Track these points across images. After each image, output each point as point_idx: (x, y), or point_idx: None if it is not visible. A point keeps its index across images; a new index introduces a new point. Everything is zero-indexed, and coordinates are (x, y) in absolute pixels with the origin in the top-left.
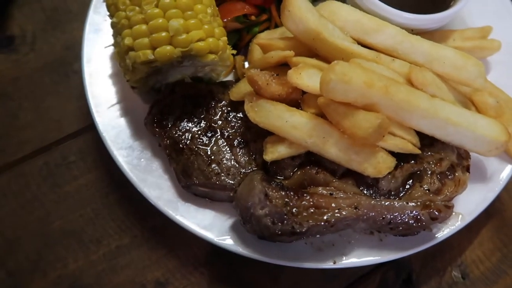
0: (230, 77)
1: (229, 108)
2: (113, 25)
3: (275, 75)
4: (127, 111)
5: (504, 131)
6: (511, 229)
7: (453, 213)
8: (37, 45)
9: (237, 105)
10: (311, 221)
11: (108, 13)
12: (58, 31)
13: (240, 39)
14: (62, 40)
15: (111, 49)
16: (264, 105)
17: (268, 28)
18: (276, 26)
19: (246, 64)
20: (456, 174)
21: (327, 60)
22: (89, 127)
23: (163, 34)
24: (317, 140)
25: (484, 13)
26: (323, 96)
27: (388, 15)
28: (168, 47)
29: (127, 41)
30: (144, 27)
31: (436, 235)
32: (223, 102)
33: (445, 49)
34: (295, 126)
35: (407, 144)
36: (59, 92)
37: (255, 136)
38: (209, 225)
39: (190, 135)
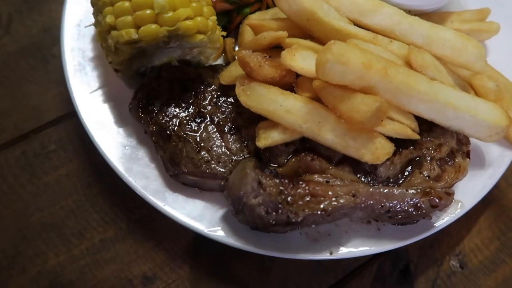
0: (220, 61)
1: (219, 93)
2: (93, 3)
3: (267, 57)
4: (110, 96)
5: (505, 116)
6: (510, 217)
7: (454, 201)
8: (12, 27)
9: (228, 90)
10: (307, 210)
11: None
12: (35, 13)
13: (230, 20)
14: (40, 23)
15: (92, 29)
16: (256, 89)
17: (259, 9)
18: (268, 7)
19: (237, 48)
20: (456, 160)
21: (322, 42)
22: (70, 114)
23: (148, 11)
24: (312, 125)
25: None
26: (319, 79)
27: None
28: (153, 26)
29: (109, 19)
30: (127, 4)
31: (435, 224)
32: (213, 86)
33: (445, 31)
34: (289, 110)
35: (406, 129)
36: (36, 77)
37: (247, 122)
38: (199, 215)
39: (178, 121)
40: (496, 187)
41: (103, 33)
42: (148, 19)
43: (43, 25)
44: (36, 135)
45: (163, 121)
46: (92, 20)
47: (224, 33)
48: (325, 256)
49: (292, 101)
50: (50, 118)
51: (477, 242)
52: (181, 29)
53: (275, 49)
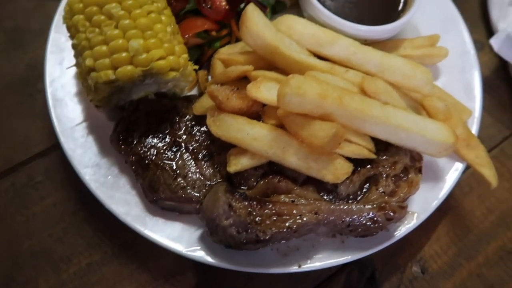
0: (194, 91)
1: (193, 122)
2: (74, 47)
3: (235, 89)
4: (92, 129)
5: (452, 134)
6: (465, 224)
7: (409, 212)
8: None
9: (201, 119)
10: (274, 229)
11: (68, 34)
12: (20, 52)
13: (202, 54)
14: (25, 60)
15: (74, 69)
16: (225, 119)
17: (229, 43)
18: (237, 40)
19: (210, 78)
20: (410, 175)
21: (286, 73)
22: (56, 146)
23: (124, 54)
24: (277, 151)
25: (433, 22)
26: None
27: (343, 27)
28: (129, 67)
29: (88, 62)
30: (104, 48)
31: (394, 234)
32: (187, 116)
33: (396, 59)
34: (255, 138)
35: (363, 150)
36: (23, 112)
37: (219, 149)
38: (178, 237)
39: (156, 150)
40: (451, 196)
41: (84, 74)
42: (124, 61)
43: (28, 62)
44: (24, 167)
45: (142, 151)
46: (74, 60)
47: (197, 67)
48: (294, 269)
49: (258, 129)
50: (37, 151)
51: (436, 248)
52: (154, 68)
53: (244, 80)
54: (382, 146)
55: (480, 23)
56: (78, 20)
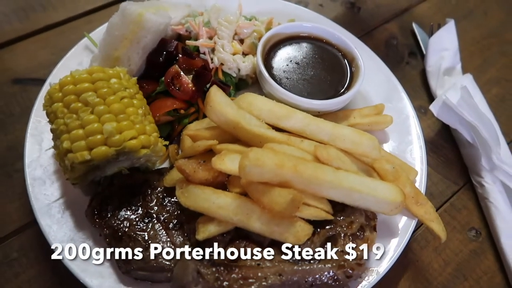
0: (166, 164)
1: (164, 194)
2: (52, 131)
3: (202, 162)
4: (68, 205)
5: (400, 193)
6: (425, 277)
7: (369, 269)
8: None
9: (172, 190)
10: None
11: (47, 119)
12: (1, 134)
13: (172, 129)
14: (5, 142)
15: (52, 150)
16: (192, 190)
17: (197, 118)
18: (204, 116)
19: (180, 151)
20: (365, 234)
21: (248, 145)
22: (31, 223)
23: (98, 136)
24: (242, 217)
25: (379, 93)
26: None
27: (297, 102)
28: (103, 148)
29: (66, 144)
30: (80, 131)
31: None
32: (159, 188)
33: (344, 128)
34: (221, 206)
35: (321, 212)
36: (0, 192)
37: (188, 218)
38: None
39: (128, 222)
40: (410, 251)
41: (61, 155)
42: (99, 142)
43: (7, 144)
44: (0, 245)
45: (115, 224)
46: (51, 141)
47: (167, 142)
48: None
49: (223, 198)
50: (12, 228)
51: None
52: (127, 147)
53: (210, 153)
54: (339, 207)
55: (423, 91)
56: (57, 108)
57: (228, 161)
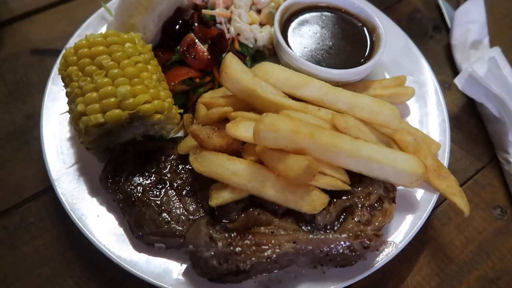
0: (180, 133)
1: (178, 161)
2: (67, 94)
3: (216, 128)
4: (83, 171)
5: (421, 165)
6: (446, 254)
7: (387, 242)
8: None
9: (186, 158)
10: (253, 258)
11: (63, 84)
12: (19, 102)
13: (187, 99)
14: (23, 110)
15: (67, 115)
16: (206, 156)
17: (212, 88)
18: (219, 86)
19: (195, 121)
20: (384, 205)
21: (263, 113)
22: (48, 189)
23: (112, 99)
24: (256, 184)
25: (401, 65)
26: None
27: (316, 72)
28: (117, 111)
29: (80, 107)
30: (95, 94)
31: (373, 264)
32: (173, 156)
33: (364, 97)
34: (235, 172)
35: (337, 182)
36: (19, 158)
37: (201, 185)
38: (163, 272)
39: (142, 188)
40: (431, 227)
41: (76, 119)
42: (112, 106)
43: (26, 113)
44: (17, 210)
45: (129, 189)
46: (67, 107)
47: (181, 110)
48: None
49: (237, 165)
50: (30, 193)
51: (418, 279)
52: (140, 111)
53: (225, 121)
54: (357, 178)
55: (447, 66)
56: (72, 71)
57: (243, 128)
